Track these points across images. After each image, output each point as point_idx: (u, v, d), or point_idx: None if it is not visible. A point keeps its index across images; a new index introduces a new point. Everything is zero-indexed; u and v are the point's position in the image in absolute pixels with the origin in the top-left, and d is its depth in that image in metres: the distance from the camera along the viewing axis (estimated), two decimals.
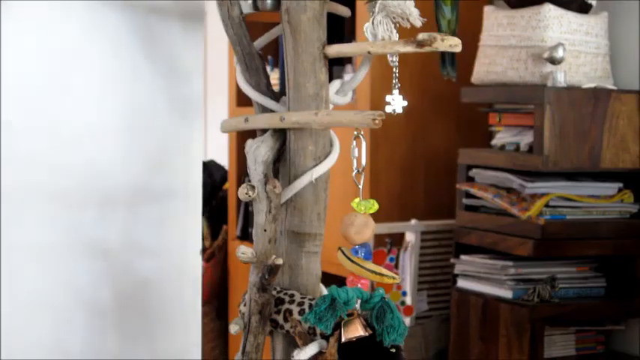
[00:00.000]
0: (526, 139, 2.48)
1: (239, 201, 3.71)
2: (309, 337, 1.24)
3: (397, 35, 1.25)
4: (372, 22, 1.24)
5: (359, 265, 1.25)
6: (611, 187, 2.48)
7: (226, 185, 3.97)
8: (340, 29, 3.18)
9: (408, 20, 1.26)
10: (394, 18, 1.24)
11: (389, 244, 2.77)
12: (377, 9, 1.25)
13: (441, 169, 2.99)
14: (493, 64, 2.58)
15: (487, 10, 2.64)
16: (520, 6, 2.54)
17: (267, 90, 1.34)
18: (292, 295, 1.29)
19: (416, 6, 1.27)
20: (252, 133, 1.33)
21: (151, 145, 1.51)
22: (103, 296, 1.49)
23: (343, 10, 1.38)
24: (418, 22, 1.26)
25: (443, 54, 1.24)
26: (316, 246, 1.32)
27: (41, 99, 1.42)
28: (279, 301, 1.29)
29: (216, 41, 3.80)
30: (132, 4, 1.48)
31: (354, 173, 1.26)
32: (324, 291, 1.32)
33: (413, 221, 2.78)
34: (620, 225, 2.44)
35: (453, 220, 2.72)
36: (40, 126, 1.42)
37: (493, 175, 2.55)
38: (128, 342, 1.51)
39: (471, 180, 2.63)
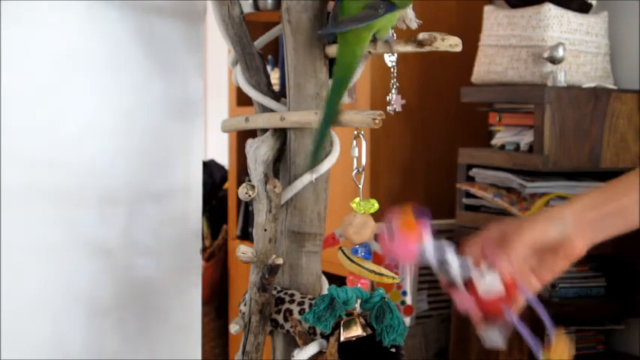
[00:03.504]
0: (526, 138, 2.48)
1: (239, 201, 3.71)
2: (309, 336, 1.24)
3: (394, 35, 1.25)
4: None
5: (359, 264, 1.25)
6: None
7: (226, 185, 3.97)
8: None
9: (404, 22, 1.26)
10: None
11: None
12: None
13: (441, 168, 2.99)
14: (493, 64, 2.58)
15: (487, 9, 2.64)
16: (520, 6, 2.54)
17: (267, 90, 1.34)
18: (292, 295, 1.29)
19: (414, 7, 1.27)
20: (252, 133, 1.33)
21: (151, 145, 1.51)
22: (103, 296, 1.48)
23: None
24: (414, 25, 1.26)
25: None
26: (316, 246, 1.32)
27: (41, 99, 1.42)
28: (280, 301, 1.29)
29: (216, 41, 3.80)
30: (132, 4, 1.48)
31: (354, 173, 1.26)
32: (326, 286, 1.32)
33: None
34: None
35: (453, 219, 2.72)
36: (40, 126, 1.42)
37: (493, 174, 2.55)
38: (128, 342, 1.51)
39: (471, 180, 2.63)
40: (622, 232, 1.31)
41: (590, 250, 2.20)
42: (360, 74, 1.32)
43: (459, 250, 1.24)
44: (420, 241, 1.18)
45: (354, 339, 1.20)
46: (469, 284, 1.16)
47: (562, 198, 2.43)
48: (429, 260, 1.17)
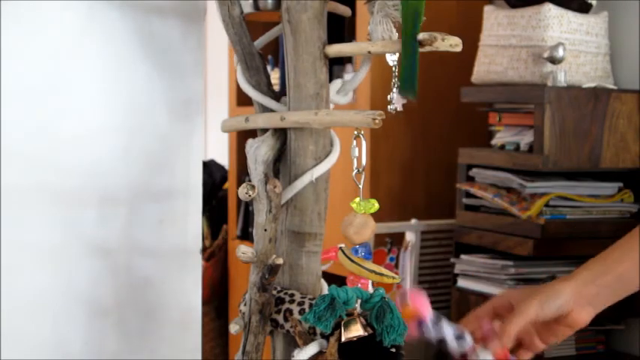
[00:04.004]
0: (526, 138, 2.48)
1: (239, 200, 3.71)
2: (310, 336, 1.24)
3: (397, 35, 1.25)
4: (372, 22, 1.24)
5: (359, 264, 1.25)
6: (611, 187, 2.48)
7: (226, 185, 3.97)
8: (340, 29, 3.18)
9: None
10: (394, 18, 1.24)
11: (389, 244, 2.77)
12: (376, 9, 1.25)
13: (441, 168, 2.99)
14: (493, 64, 2.58)
15: (487, 9, 2.64)
16: (520, 6, 2.54)
17: (267, 90, 1.34)
18: (292, 295, 1.29)
19: None
20: (252, 133, 1.33)
21: (151, 145, 1.51)
22: (103, 296, 1.48)
23: (344, 10, 1.38)
24: None
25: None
26: (317, 245, 1.32)
27: (41, 99, 1.42)
28: (280, 301, 1.29)
29: (216, 41, 3.80)
30: (132, 4, 1.47)
31: (354, 173, 1.26)
32: (325, 289, 1.32)
33: (413, 221, 2.78)
34: (620, 225, 2.44)
35: (453, 219, 2.72)
36: (40, 126, 1.42)
37: (493, 174, 2.55)
38: (128, 342, 1.51)
39: (471, 180, 2.63)
40: (623, 297, 1.44)
41: (590, 250, 2.19)
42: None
43: (460, 322, 1.43)
44: (420, 323, 1.36)
45: (354, 339, 1.20)
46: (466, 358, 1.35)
47: (562, 198, 2.43)
48: (430, 338, 1.38)
